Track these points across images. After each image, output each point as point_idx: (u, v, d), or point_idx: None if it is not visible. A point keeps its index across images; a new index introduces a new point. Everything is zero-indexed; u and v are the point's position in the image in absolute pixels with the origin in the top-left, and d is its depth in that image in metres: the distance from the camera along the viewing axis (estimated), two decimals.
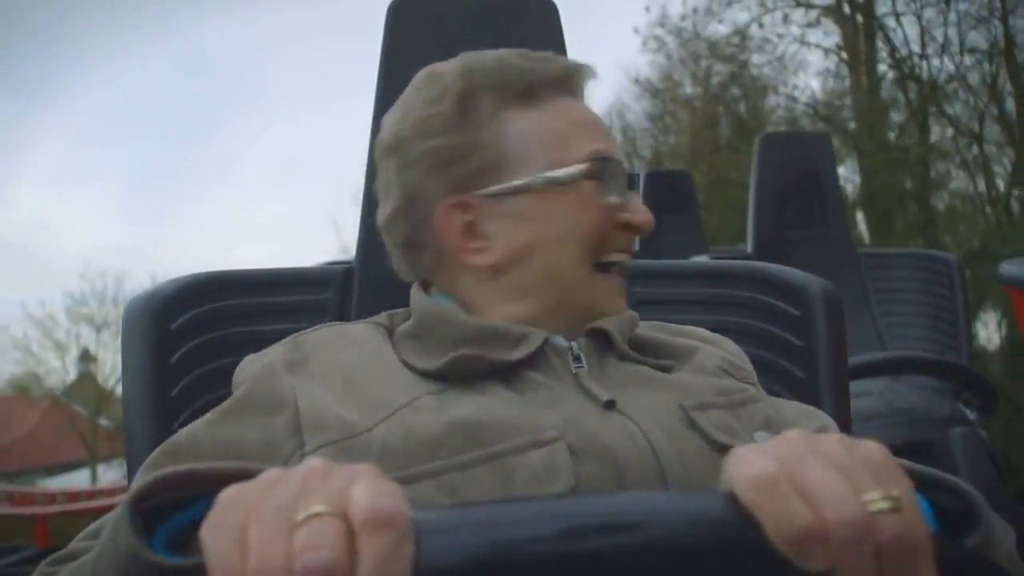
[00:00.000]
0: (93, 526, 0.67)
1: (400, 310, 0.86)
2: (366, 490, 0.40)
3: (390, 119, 0.85)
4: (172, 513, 0.50)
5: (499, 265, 0.80)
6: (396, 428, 0.67)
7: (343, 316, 1.07)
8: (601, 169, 0.80)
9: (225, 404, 0.74)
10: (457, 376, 0.73)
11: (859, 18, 8.92)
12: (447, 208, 0.80)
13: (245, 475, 0.45)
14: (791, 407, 0.83)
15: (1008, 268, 2.19)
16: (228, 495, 0.43)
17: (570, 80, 0.85)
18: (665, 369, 0.80)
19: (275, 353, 0.77)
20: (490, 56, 0.84)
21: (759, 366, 0.87)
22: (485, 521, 0.42)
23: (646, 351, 0.82)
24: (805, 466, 0.44)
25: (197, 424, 0.73)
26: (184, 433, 0.72)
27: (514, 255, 0.80)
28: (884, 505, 0.43)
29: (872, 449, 0.47)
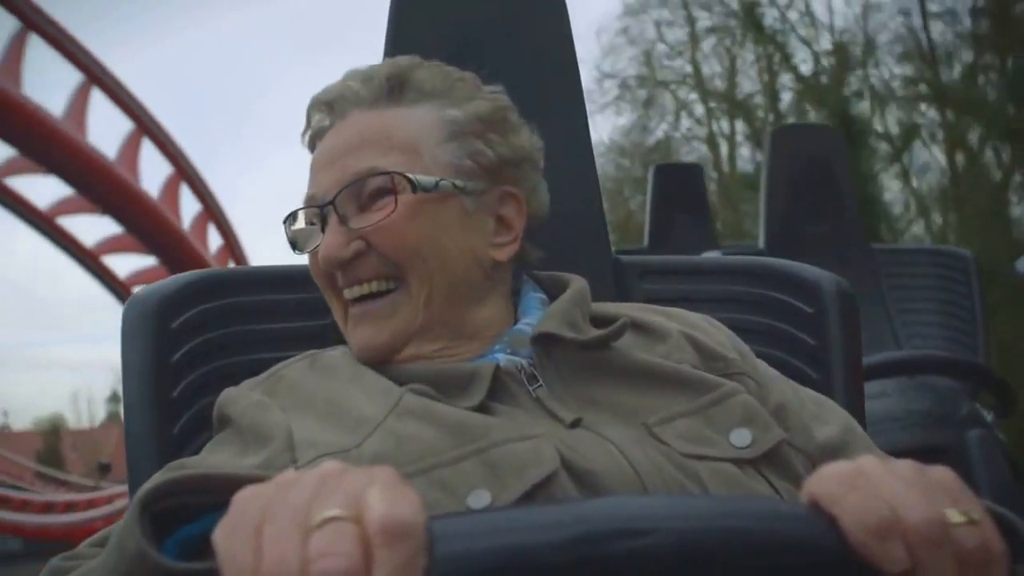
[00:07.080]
0: (99, 534, 0.67)
1: None
2: (382, 497, 0.40)
3: None
4: (182, 524, 0.49)
5: None
6: (387, 438, 0.67)
7: None
8: (296, 217, 0.83)
9: (221, 435, 0.76)
10: None
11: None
12: None
13: (258, 481, 0.45)
14: (809, 400, 0.80)
15: None
16: (243, 496, 0.42)
17: (334, 106, 0.82)
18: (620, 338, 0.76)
19: (260, 388, 0.77)
20: None
21: (770, 365, 0.84)
22: (500, 528, 0.41)
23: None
24: (883, 476, 0.45)
25: (201, 454, 0.75)
26: (189, 458, 0.73)
27: None
28: (962, 519, 0.43)
29: (944, 472, 0.47)
